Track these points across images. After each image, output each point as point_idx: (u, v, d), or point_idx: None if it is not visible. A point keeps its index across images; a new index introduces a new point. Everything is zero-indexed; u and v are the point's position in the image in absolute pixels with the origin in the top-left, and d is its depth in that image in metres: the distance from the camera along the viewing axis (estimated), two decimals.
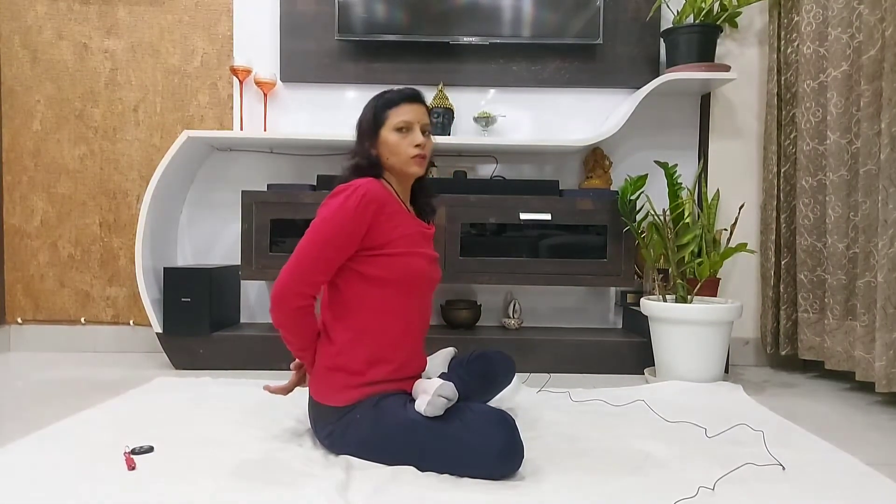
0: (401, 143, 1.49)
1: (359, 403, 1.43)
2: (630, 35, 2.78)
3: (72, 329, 2.85)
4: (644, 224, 2.56)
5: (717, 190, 2.71)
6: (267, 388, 1.62)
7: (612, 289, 2.87)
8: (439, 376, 1.56)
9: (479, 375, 1.70)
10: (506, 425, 1.36)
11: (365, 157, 1.51)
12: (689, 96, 2.83)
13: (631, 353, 2.52)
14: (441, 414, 1.36)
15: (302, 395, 1.99)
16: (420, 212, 1.63)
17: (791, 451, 1.54)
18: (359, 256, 1.46)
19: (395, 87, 1.54)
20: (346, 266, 1.47)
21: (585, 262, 2.55)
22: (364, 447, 1.42)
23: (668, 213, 2.46)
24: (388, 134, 1.49)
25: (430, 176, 2.72)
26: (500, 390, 1.82)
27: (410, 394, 1.47)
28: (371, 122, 1.50)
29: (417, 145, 1.49)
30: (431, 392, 1.38)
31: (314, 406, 1.51)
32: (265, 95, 2.74)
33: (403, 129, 1.49)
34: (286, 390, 1.62)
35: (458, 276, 2.53)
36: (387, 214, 1.45)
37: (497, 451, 1.33)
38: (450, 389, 1.38)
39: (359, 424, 1.42)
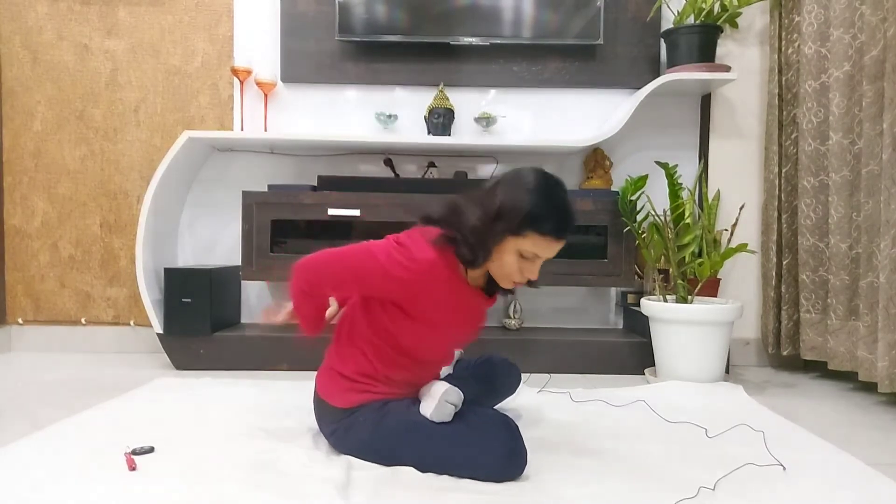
0: (514, 267, 1.30)
1: (362, 406, 1.43)
2: (630, 35, 2.77)
3: (72, 329, 2.85)
4: (644, 224, 2.55)
5: (718, 190, 2.71)
6: (265, 314, 1.55)
7: (613, 289, 2.86)
8: (444, 377, 1.56)
9: (484, 381, 1.69)
10: (509, 431, 1.36)
11: (475, 250, 1.28)
12: (690, 97, 2.82)
13: (631, 353, 2.52)
14: (448, 420, 1.37)
15: (302, 395, 1.99)
16: (491, 284, 1.47)
17: (792, 451, 1.54)
18: (388, 304, 1.38)
19: (556, 204, 1.26)
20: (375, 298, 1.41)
21: (586, 262, 2.55)
22: (366, 448, 1.42)
23: (668, 213, 2.46)
24: (511, 250, 1.27)
25: (432, 177, 2.74)
26: (504, 399, 1.82)
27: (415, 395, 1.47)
28: (509, 225, 1.24)
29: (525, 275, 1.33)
30: (438, 397, 1.37)
31: (319, 402, 1.51)
32: (265, 96, 2.74)
33: (529, 257, 1.29)
34: (281, 319, 1.54)
35: None
36: (434, 294, 1.32)
37: (500, 457, 1.33)
38: (456, 395, 1.38)
39: (362, 426, 1.41)
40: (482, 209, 1.27)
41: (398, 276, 1.29)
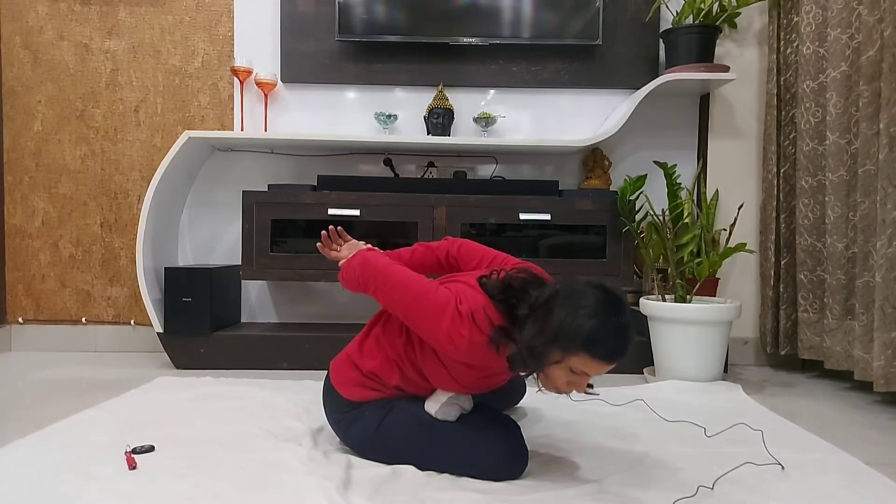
0: (562, 381, 1.26)
1: (368, 402, 1.44)
2: (629, 36, 2.78)
3: (73, 329, 2.86)
4: (643, 224, 2.56)
5: (717, 190, 2.72)
6: (325, 241, 1.62)
7: None
8: None
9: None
10: (510, 430, 1.37)
11: (528, 367, 1.27)
12: (689, 97, 2.83)
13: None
14: (452, 420, 1.38)
15: (302, 394, 2.00)
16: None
17: (790, 450, 1.55)
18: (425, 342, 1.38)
19: (614, 330, 1.21)
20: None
21: (585, 262, 2.55)
22: (368, 442, 1.42)
23: (667, 213, 2.47)
24: (563, 366, 1.23)
25: (431, 177, 2.74)
26: (507, 408, 1.81)
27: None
28: (563, 345, 1.20)
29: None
30: (446, 396, 1.38)
31: (329, 389, 1.51)
32: (265, 96, 2.75)
33: (578, 373, 1.24)
34: (331, 258, 1.61)
35: None
36: (468, 361, 1.32)
37: (501, 456, 1.34)
38: (468, 401, 1.39)
39: (366, 421, 1.42)
40: (538, 327, 1.22)
41: (444, 343, 1.28)
